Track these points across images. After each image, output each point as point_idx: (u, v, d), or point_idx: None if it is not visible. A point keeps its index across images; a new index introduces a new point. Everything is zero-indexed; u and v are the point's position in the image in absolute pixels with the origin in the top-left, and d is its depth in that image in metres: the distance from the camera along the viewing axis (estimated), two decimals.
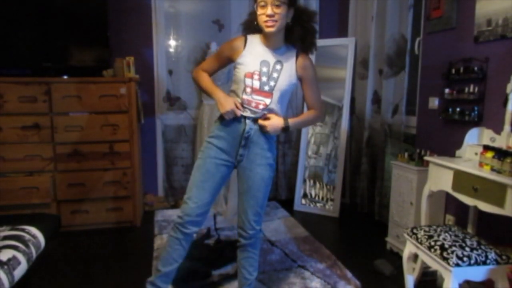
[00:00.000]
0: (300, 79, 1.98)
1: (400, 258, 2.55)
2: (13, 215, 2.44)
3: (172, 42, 4.04)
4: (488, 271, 1.88)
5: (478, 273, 1.88)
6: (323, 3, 4.26)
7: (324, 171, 4.02)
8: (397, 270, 2.56)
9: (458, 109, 2.65)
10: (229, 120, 1.91)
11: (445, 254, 1.89)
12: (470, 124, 2.55)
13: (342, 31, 4.28)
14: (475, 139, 2.42)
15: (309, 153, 4.09)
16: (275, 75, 1.89)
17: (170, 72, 4.02)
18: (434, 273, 2.50)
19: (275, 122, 1.92)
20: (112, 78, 3.46)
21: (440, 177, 2.32)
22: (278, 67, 1.90)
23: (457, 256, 1.86)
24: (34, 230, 2.06)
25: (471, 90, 2.53)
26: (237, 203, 2.06)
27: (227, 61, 2.00)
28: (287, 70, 1.91)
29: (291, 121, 1.98)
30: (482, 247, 1.93)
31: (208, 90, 1.97)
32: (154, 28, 3.93)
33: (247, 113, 1.92)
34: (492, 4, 2.40)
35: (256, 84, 1.87)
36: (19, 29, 3.32)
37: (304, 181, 4.08)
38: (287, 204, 4.13)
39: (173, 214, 3.83)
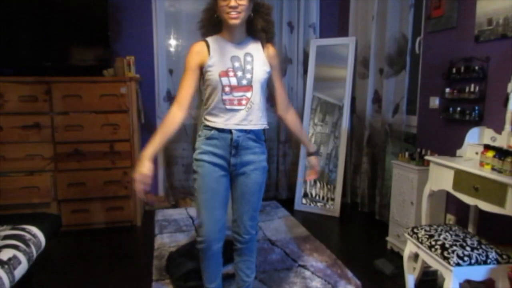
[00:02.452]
0: (269, 66, 1.92)
1: (400, 257, 2.55)
2: (14, 215, 2.45)
3: (173, 42, 4.04)
4: (489, 270, 1.88)
5: (478, 273, 1.88)
6: (324, 2, 4.26)
7: (324, 170, 4.02)
8: (398, 269, 2.56)
9: (458, 109, 2.65)
10: (214, 133, 1.85)
11: (445, 253, 1.89)
12: (470, 123, 2.55)
13: (342, 31, 4.28)
14: (475, 139, 2.42)
15: None
16: (248, 67, 1.83)
17: (171, 72, 4.02)
18: (435, 272, 2.50)
19: (315, 163, 2.11)
20: (112, 77, 3.46)
21: (440, 176, 2.32)
22: (249, 58, 1.84)
23: (458, 256, 1.86)
24: (34, 229, 2.06)
25: (472, 89, 2.52)
26: (232, 208, 2.03)
27: (199, 73, 1.85)
28: (259, 59, 1.86)
29: (311, 145, 2.15)
30: (483, 246, 1.92)
31: (149, 142, 1.81)
32: (154, 27, 3.93)
33: (232, 123, 1.84)
34: (492, 4, 2.40)
35: (234, 81, 1.80)
36: (20, 28, 3.32)
37: (305, 180, 4.08)
38: (288, 203, 4.13)
39: (173, 213, 3.84)
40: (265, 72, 1.88)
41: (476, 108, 2.51)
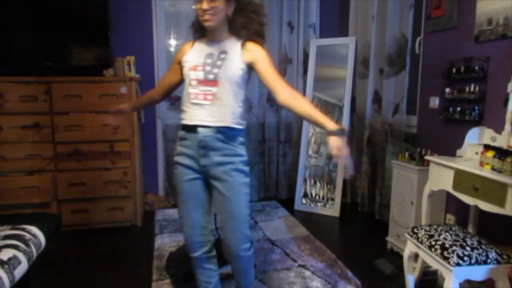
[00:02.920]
0: (250, 64, 1.82)
1: (400, 257, 2.55)
2: (14, 215, 2.45)
3: (173, 42, 4.04)
4: (489, 270, 1.88)
5: (478, 273, 1.88)
6: (324, 2, 4.26)
7: (324, 170, 4.02)
8: (398, 269, 2.56)
9: (458, 109, 2.65)
10: (184, 133, 1.86)
11: (445, 253, 1.89)
12: (470, 123, 2.55)
13: (342, 31, 4.28)
14: (475, 139, 2.42)
15: (310, 152, 4.09)
16: (219, 63, 1.81)
17: None
18: (435, 272, 2.50)
19: (341, 146, 1.62)
20: (112, 77, 3.46)
21: (440, 176, 2.32)
22: (222, 56, 1.82)
23: (458, 256, 1.86)
24: (34, 229, 2.06)
25: (472, 89, 2.52)
26: (217, 220, 1.94)
27: (178, 69, 1.95)
28: (232, 56, 1.81)
29: (329, 123, 1.67)
30: (483, 246, 1.92)
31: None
32: (154, 27, 3.93)
33: (196, 118, 1.81)
34: (492, 4, 2.40)
35: (200, 75, 1.80)
36: (20, 28, 3.32)
37: (305, 180, 4.08)
38: (288, 203, 4.13)
39: (173, 213, 3.83)
40: (238, 69, 1.80)
41: (476, 108, 2.51)
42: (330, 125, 1.66)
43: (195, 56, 1.86)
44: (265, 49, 1.85)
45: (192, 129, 1.82)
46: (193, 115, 1.81)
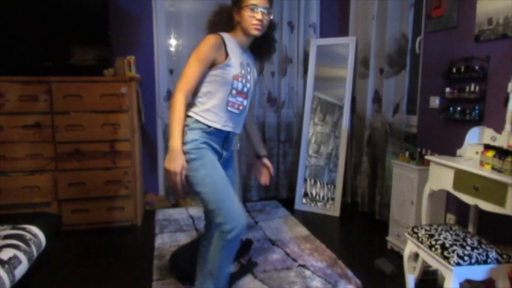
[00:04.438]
0: None
1: (400, 257, 2.55)
2: (14, 214, 2.45)
3: (173, 41, 4.04)
4: (489, 270, 1.88)
5: (479, 272, 1.88)
6: (324, 2, 4.26)
7: (324, 170, 4.02)
8: (398, 269, 2.56)
9: (459, 108, 2.65)
10: (212, 130, 1.85)
11: (446, 253, 1.89)
12: (471, 123, 2.55)
13: (342, 30, 4.28)
14: (476, 138, 2.42)
15: (310, 152, 4.09)
16: (249, 77, 1.94)
17: (171, 71, 4.03)
18: (435, 272, 2.50)
19: (270, 166, 2.24)
20: (113, 77, 3.46)
21: (441, 176, 2.32)
22: (249, 69, 1.95)
23: (458, 255, 1.86)
24: (35, 229, 2.06)
25: (472, 89, 2.52)
26: None
27: (209, 66, 1.83)
28: (254, 72, 2.02)
29: (264, 149, 2.24)
30: (483, 246, 1.92)
31: (171, 130, 1.73)
32: (155, 27, 3.93)
33: (229, 126, 1.92)
34: (493, 3, 2.40)
35: (240, 86, 1.88)
36: (20, 28, 3.33)
37: (305, 180, 4.08)
38: (288, 203, 4.13)
39: (174, 213, 3.84)
40: (255, 83, 2.06)
41: (476, 107, 2.51)
42: (264, 150, 2.23)
43: (235, 61, 1.86)
44: None
45: (222, 130, 1.92)
46: (225, 122, 1.89)
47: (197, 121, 1.84)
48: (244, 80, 1.90)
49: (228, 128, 1.91)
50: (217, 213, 1.78)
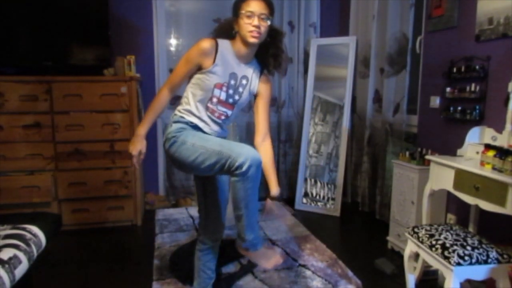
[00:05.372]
0: (257, 95, 1.96)
1: (401, 257, 2.55)
2: (14, 214, 2.45)
3: (173, 41, 4.04)
4: (489, 270, 1.88)
5: (479, 272, 1.88)
6: (324, 2, 4.26)
7: (325, 170, 4.02)
8: (398, 269, 2.56)
9: (459, 108, 2.65)
10: (196, 126, 1.87)
11: (446, 253, 1.89)
12: (471, 123, 2.54)
13: (343, 30, 4.27)
14: (476, 138, 2.42)
15: (310, 152, 4.09)
16: (240, 89, 1.88)
17: (171, 71, 3.99)
18: (435, 272, 2.50)
19: (274, 210, 1.99)
20: (113, 77, 3.46)
21: (441, 176, 2.32)
22: (244, 82, 1.89)
23: (458, 255, 1.85)
24: (35, 229, 2.06)
25: (473, 89, 2.52)
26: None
27: (196, 68, 1.84)
28: (251, 86, 1.91)
29: (275, 188, 1.92)
30: (483, 246, 1.92)
31: (144, 116, 1.93)
32: (155, 26, 3.93)
33: (209, 128, 1.89)
34: (493, 3, 2.39)
35: (223, 96, 1.85)
36: (20, 28, 3.32)
37: (305, 180, 4.08)
38: (288, 203, 4.13)
39: (174, 213, 3.84)
40: (251, 97, 1.96)
41: (477, 107, 2.51)
42: (274, 189, 1.92)
43: (222, 70, 1.81)
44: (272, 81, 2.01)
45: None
46: (206, 124, 1.88)
47: (181, 117, 1.88)
48: (231, 91, 1.85)
49: (209, 130, 1.88)
50: (220, 160, 1.67)
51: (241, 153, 1.62)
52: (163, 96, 1.89)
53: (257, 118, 1.97)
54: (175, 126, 1.85)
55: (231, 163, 1.62)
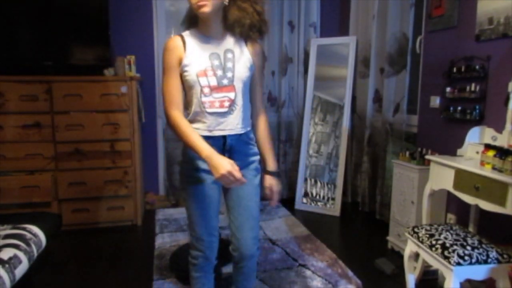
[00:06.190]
0: (252, 62, 1.73)
1: (401, 257, 2.55)
2: (14, 214, 2.45)
3: None
4: (489, 270, 1.88)
5: (479, 272, 1.88)
6: (325, 1, 4.26)
7: (325, 170, 4.02)
8: (398, 269, 2.56)
9: (459, 108, 2.65)
10: (206, 138, 1.61)
11: (446, 253, 1.89)
12: (471, 122, 2.54)
13: (343, 30, 4.27)
14: (476, 138, 2.42)
15: (310, 152, 4.09)
16: (229, 64, 1.64)
17: None
18: (435, 272, 2.50)
19: (274, 185, 1.77)
20: (113, 76, 3.46)
21: (441, 176, 2.32)
22: (229, 55, 1.65)
23: (458, 255, 1.85)
24: (35, 229, 2.06)
25: (473, 88, 2.52)
26: (229, 219, 1.82)
27: (179, 73, 1.66)
28: (241, 56, 1.68)
29: (272, 163, 1.78)
30: (483, 246, 1.92)
31: (191, 145, 1.57)
32: (155, 26, 3.93)
33: (217, 129, 1.67)
34: (493, 3, 2.39)
35: (213, 81, 1.62)
36: (21, 27, 3.32)
37: (305, 180, 4.08)
38: (288, 203, 4.12)
39: (174, 213, 3.84)
40: (248, 70, 1.69)
41: (477, 107, 2.51)
42: (272, 164, 1.78)
43: (197, 57, 1.62)
44: (262, 48, 1.78)
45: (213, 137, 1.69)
46: (211, 126, 1.66)
47: None
48: (220, 72, 1.63)
49: (219, 132, 1.66)
50: (194, 238, 1.81)
51: (202, 244, 1.78)
52: (179, 118, 1.61)
53: (252, 92, 1.77)
54: (183, 158, 1.74)
55: (193, 248, 1.82)
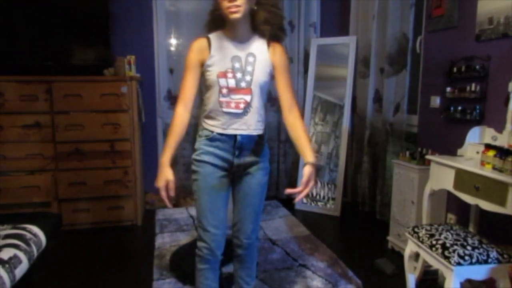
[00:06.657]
0: (272, 67, 1.82)
1: (401, 257, 2.54)
2: (14, 214, 2.46)
3: (173, 41, 4.04)
4: (490, 270, 1.88)
5: (479, 272, 1.88)
6: (325, 1, 4.26)
7: (325, 170, 4.02)
8: (398, 269, 2.56)
9: (459, 108, 2.65)
10: (216, 135, 1.78)
11: (446, 253, 1.89)
12: (471, 122, 2.54)
13: (343, 30, 4.27)
14: (476, 138, 2.42)
15: None
16: (249, 68, 1.74)
17: (171, 71, 4.02)
18: (436, 272, 2.50)
19: (311, 174, 1.70)
20: (113, 76, 3.46)
21: (441, 176, 2.32)
22: (251, 59, 1.75)
23: (459, 255, 1.85)
24: (35, 229, 2.06)
25: (473, 88, 2.52)
26: (233, 211, 1.94)
27: (200, 72, 1.78)
28: (261, 60, 1.77)
29: (310, 155, 1.74)
30: (484, 246, 1.92)
31: (163, 148, 1.77)
32: (155, 26, 3.93)
33: (230, 128, 1.77)
34: (493, 3, 2.39)
35: (232, 83, 1.73)
36: (21, 27, 3.32)
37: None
38: (288, 203, 4.12)
39: (174, 213, 3.84)
40: (267, 74, 1.79)
41: (477, 107, 2.51)
42: (310, 157, 1.74)
43: (219, 59, 1.73)
44: (283, 49, 1.84)
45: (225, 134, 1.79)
46: (225, 124, 1.77)
47: (203, 128, 1.83)
48: (239, 74, 1.73)
49: (232, 131, 1.77)
50: (201, 230, 1.86)
51: (208, 236, 1.83)
52: (179, 116, 1.77)
53: (278, 91, 1.85)
54: (196, 146, 1.84)
55: (200, 239, 1.88)
